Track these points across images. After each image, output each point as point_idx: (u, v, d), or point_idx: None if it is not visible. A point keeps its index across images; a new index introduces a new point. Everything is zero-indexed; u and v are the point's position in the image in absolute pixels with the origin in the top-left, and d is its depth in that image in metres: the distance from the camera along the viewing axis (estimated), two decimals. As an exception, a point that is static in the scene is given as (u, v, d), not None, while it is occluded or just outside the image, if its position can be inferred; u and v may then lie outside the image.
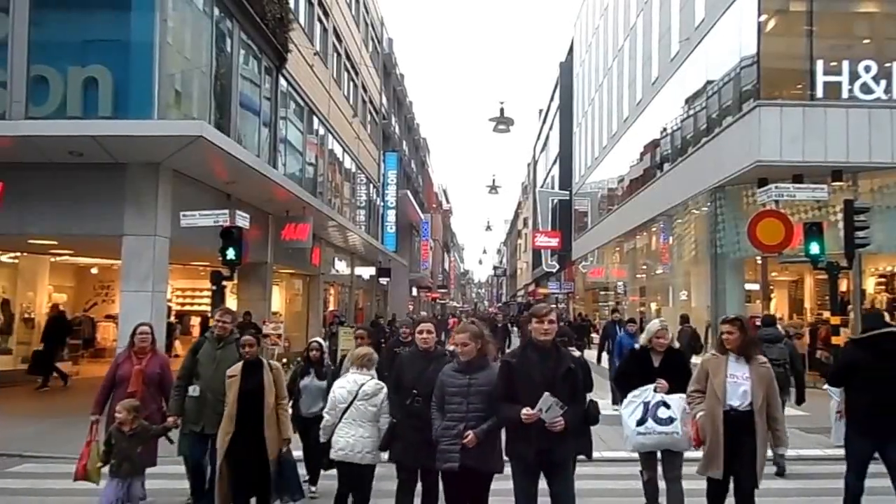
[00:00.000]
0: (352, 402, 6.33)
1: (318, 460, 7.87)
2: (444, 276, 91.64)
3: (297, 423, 8.06)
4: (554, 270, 53.06)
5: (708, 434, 6.08)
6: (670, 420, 6.65)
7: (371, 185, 38.30)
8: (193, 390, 7.25)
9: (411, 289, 57.87)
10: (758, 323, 11.07)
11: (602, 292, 40.33)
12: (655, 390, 6.77)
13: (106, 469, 6.74)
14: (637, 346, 7.66)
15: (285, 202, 18.61)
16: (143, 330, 7.87)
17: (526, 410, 5.21)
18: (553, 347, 5.52)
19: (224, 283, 12.75)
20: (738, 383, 6.04)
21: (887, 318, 8.78)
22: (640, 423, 6.73)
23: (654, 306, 28.33)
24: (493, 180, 47.23)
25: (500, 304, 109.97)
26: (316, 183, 25.78)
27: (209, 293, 13.33)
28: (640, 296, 31.10)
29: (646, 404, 6.77)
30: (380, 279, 37.58)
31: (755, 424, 5.93)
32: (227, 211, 12.87)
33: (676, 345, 7.17)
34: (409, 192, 47.64)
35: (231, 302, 20.62)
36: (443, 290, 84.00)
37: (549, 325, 5.47)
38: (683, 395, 6.60)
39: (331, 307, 29.37)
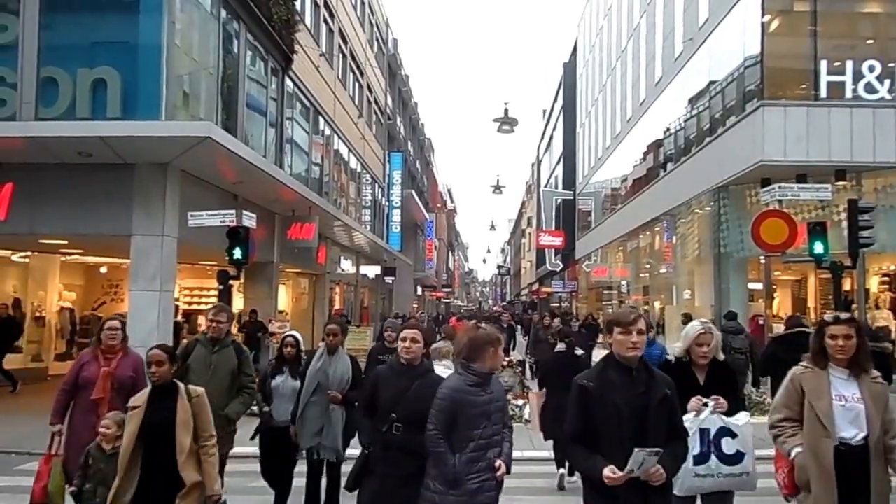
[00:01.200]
0: None
1: (287, 479, 7.02)
2: (449, 275, 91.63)
3: (266, 435, 7.03)
4: (558, 269, 52.94)
5: (813, 479, 4.38)
6: (739, 456, 5.01)
7: (376, 185, 38.31)
8: None
9: (416, 288, 57.90)
10: (760, 322, 11.21)
11: (605, 291, 40.25)
12: (712, 412, 5.01)
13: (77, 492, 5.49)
14: (670, 356, 5.89)
15: (291, 202, 18.60)
16: (111, 325, 6.51)
17: (610, 471, 3.82)
18: (643, 367, 4.09)
19: (231, 282, 12.76)
20: (850, 407, 4.44)
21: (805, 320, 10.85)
22: (700, 461, 4.95)
23: (657, 305, 28.27)
24: (498, 180, 47.46)
25: (504, 303, 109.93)
26: (322, 183, 25.78)
27: (216, 292, 13.33)
28: (643, 295, 31.01)
29: (703, 433, 4.99)
30: (385, 278, 37.57)
31: (871, 461, 4.38)
32: (233, 211, 12.87)
33: (721, 356, 5.40)
34: (413, 192, 47.64)
35: (238, 301, 20.65)
36: (447, 289, 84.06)
37: (639, 336, 4.02)
38: (746, 414, 5.21)
39: (336, 306, 29.37)
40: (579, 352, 9.60)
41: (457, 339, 5.42)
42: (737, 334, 12.28)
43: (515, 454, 10.31)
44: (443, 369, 6.25)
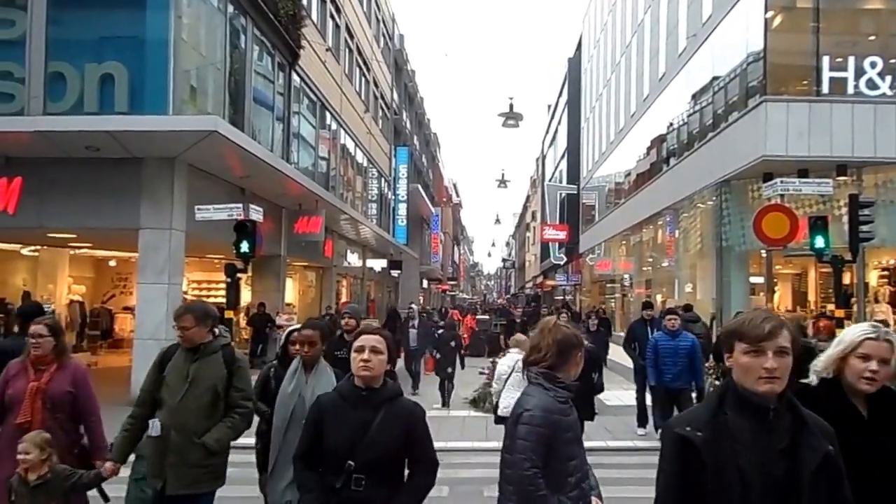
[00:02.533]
0: (510, 374, 7.96)
1: None
2: (454, 268, 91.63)
3: (261, 456, 5.27)
4: (561, 263, 52.87)
5: None
6: None
7: (382, 179, 38.26)
8: (153, 426, 4.76)
9: (422, 281, 57.90)
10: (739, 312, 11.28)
11: (609, 284, 40.15)
12: None
13: None
14: (812, 378, 3.27)
15: (298, 196, 18.59)
16: (35, 330, 4.96)
17: None
18: (787, 409, 2.51)
19: (238, 275, 12.73)
20: None
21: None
22: None
23: (659, 298, 28.18)
24: (503, 174, 47.19)
25: (508, 296, 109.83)
26: (328, 177, 25.76)
27: (224, 285, 13.33)
28: (645, 288, 30.91)
29: None
30: (391, 271, 37.56)
31: None
32: (241, 205, 12.85)
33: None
34: (419, 186, 47.57)
35: (246, 293, 20.67)
36: (452, 282, 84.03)
37: (779, 360, 2.46)
38: None
39: (343, 299, 29.37)
40: (589, 345, 9.51)
41: (531, 339, 3.86)
42: (696, 322, 13.69)
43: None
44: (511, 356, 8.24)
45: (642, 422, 11.57)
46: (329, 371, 4.91)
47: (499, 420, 8.23)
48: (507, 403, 7.72)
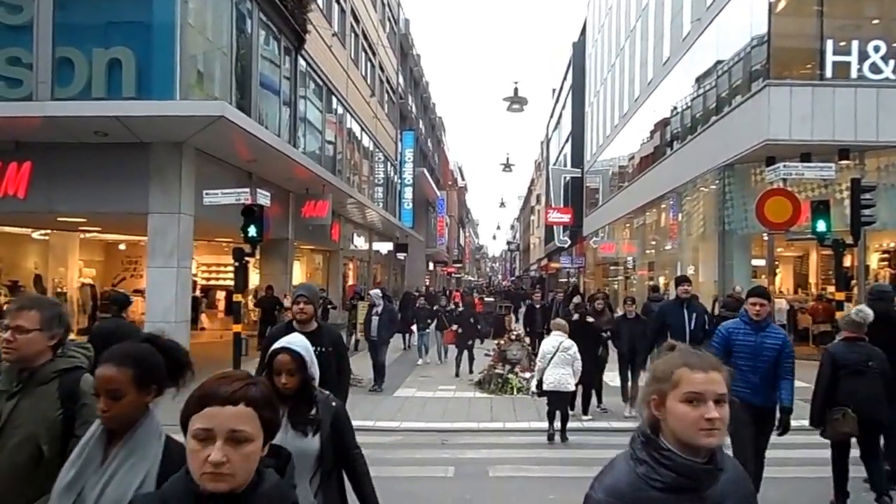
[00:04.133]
0: (555, 353, 9.64)
1: None
2: (460, 250, 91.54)
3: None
4: (566, 245, 52.75)
5: None
6: None
7: (388, 163, 38.18)
8: None
9: (428, 263, 57.87)
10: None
11: (612, 267, 40.13)
12: None
13: None
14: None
15: (305, 180, 18.55)
16: None
17: None
18: None
19: (246, 258, 12.72)
20: None
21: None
22: None
23: (662, 280, 28.13)
24: (507, 158, 47.21)
25: (513, 278, 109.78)
26: (335, 161, 25.70)
27: (233, 268, 13.33)
28: (648, 270, 30.88)
29: None
30: (397, 254, 37.57)
31: None
32: (248, 189, 12.83)
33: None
34: (425, 170, 47.47)
35: (254, 276, 20.69)
36: (458, 265, 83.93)
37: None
38: None
39: (350, 281, 29.39)
40: (590, 319, 11.71)
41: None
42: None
43: (521, 424, 10.41)
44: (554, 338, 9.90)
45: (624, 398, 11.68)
46: (154, 443, 2.48)
47: (542, 394, 9.89)
48: (553, 379, 9.61)
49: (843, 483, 6.61)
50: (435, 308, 19.54)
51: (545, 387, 9.65)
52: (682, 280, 10.02)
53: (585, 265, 48.11)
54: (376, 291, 15.59)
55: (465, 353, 16.37)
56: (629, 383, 11.50)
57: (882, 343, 6.63)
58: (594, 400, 11.59)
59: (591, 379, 11.10)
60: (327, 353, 5.14)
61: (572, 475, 7.97)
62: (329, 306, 19.81)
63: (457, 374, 15.83)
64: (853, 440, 6.58)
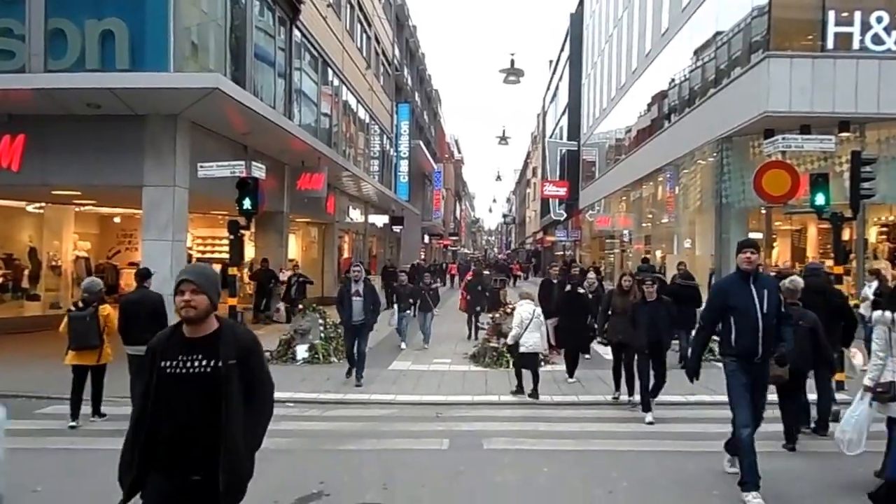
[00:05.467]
0: (532, 319, 10.57)
1: None
2: (456, 223, 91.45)
3: None
4: (562, 219, 52.78)
5: None
6: None
7: (384, 136, 38.02)
8: None
9: (423, 236, 57.87)
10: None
11: (608, 240, 40.23)
12: None
13: None
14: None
15: (301, 153, 18.47)
16: None
17: None
18: None
19: (241, 231, 12.70)
20: None
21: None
22: None
23: (658, 254, 28.19)
24: (504, 131, 46.81)
25: (509, 251, 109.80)
26: (331, 134, 25.57)
27: (228, 241, 13.30)
28: (644, 244, 30.93)
29: None
30: (393, 227, 37.53)
31: None
32: (243, 162, 12.76)
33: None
34: (421, 143, 47.32)
35: (249, 249, 20.67)
36: (454, 238, 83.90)
37: None
38: None
39: (345, 254, 29.37)
40: (581, 290, 12.59)
41: None
42: (688, 281, 14.17)
43: (517, 397, 10.44)
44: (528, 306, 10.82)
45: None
46: None
47: (525, 356, 10.67)
48: (531, 342, 10.60)
49: (791, 424, 8.05)
50: (420, 285, 17.30)
51: (524, 349, 10.64)
52: (745, 245, 6.79)
53: (581, 238, 48.23)
54: (357, 268, 12.34)
55: (474, 318, 17.66)
56: (648, 382, 9.39)
57: (814, 309, 8.07)
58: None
59: (581, 346, 12.26)
60: (225, 368, 3.49)
61: (567, 448, 8.05)
62: (304, 280, 19.61)
63: (469, 336, 17.28)
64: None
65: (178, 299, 3.53)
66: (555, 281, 15.07)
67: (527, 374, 10.71)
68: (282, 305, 19.11)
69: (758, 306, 6.44)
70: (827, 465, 7.30)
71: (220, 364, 3.48)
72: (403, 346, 15.80)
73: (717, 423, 9.13)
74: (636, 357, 9.56)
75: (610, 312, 10.40)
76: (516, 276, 49.10)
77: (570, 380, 11.75)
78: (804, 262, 20.80)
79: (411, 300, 16.45)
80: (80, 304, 8.94)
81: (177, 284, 3.56)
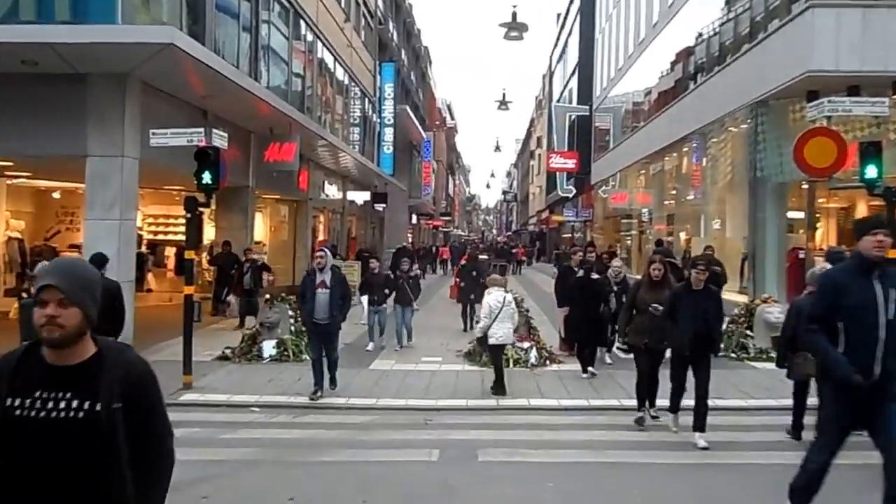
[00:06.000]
0: (502, 308, 11.07)
1: None
2: (448, 201, 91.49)
3: None
4: (570, 196, 52.84)
5: None
6: None
7: (366, 100, 37.90)
8: None
9: (411, 216, 57.87)
10: (801, 256, 11.05)
11: (624, 220, 40.20)
12: None
13: None
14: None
15: (269, 119, 18.39)
16: None
17: None
18: None
19: (200, 209, 12.61)
20: None
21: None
22: None
23: (682, 237, 28.23)
24: (504, 94, 46.83)
25: (509, 233, 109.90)
26: (304, 97, 25.46)
27: (185, 220, 13.24)
28: (666, 224, 30.95)
29: None
30: (375, 205, 37.45)
31: None
32: (202, 129, 12.65)
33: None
34: (408, 108, 47.15)
35: (209, 230, 20.60)
36: (446, 218, 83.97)
37: None
38: None
39: (321, 236, 29.32)
40: (595, 276, 13.05)
41: None
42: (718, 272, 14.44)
43: (519, 401, 10.46)
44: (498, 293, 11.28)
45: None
46: None
47: (492, 348, 11.28)
48: (501, 334, 11.10)
49: (801, 416, 8.68)
50: (397, 273, 16.86)
51: (493, 341, 11.16)
52: (874, 225, 5.73)
53: (593, 218, 48.20)
54: (321, 253, 11.41)
55: (468, 308, 17.92)
56: (682, 389, 8.91)
57: None
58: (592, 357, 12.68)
59: (593, 337, 12.76)
60: (106, 413, 2.73)
61: (575, 460, 8.04)
62: (260, 266, 19.11)
63: (465, 329, 17.59)
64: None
65: (39, 313, 2.72)
66: (577, 270, 14.01)
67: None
68: (232, 297, 18.65)
69: (881, 309, 5.39)
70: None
71: (98, 407, 2.71)
72: (370, 347, 15.04)
73: (752, 432, 9.17)
74: (673, 360, 8.86)
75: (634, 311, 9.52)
76: (520, 261, 49.19)
77: (584, 375, 12.25)
78: (852, 246, 20.86)
79: (386, 291, 15.72)
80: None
81: (36, 292, 2.78)
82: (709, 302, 8.62)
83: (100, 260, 9.37)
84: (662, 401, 9.20)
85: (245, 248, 18.69)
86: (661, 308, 8.90)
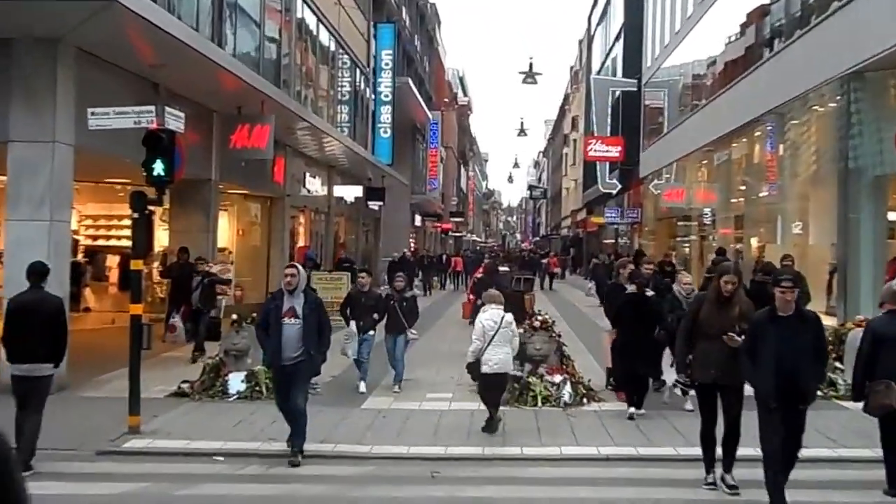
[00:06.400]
0: (498, 330, 11.35)
1: None
2: (461, 198, 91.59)
3: None
4: (613, 192, 52.82)
5: None
6: None
7: (357, 71, 37.96)
8: None
9: (413, 217, 57.85)
10: None
11: (680, 223, 40.11)
12: None
13: None
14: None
15: (236, 95, 18.47)
16: None
17: None
18: None
19: (150, 208, 12.66)
20: None
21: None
22: None
23: (754, 242, 28.16)
24: (530, 64, 46.69)
25: (536, 239, 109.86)
26: (279, 67, 25.55)
27: (131, 222, 13.26)
28: (734, 228, 30.89)
29: None
30: (369, 203, 37.54)
31: None
32: (152, 108, 12.69)
33: None
34: (410, 81, 47.25)
35: (162, 234, 20.65)
36: (458, 219, 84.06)
37: None
38: None
39: (301, 242, 29.38)
40: (649, 293, 13.12)
41: None
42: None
43: (549, 450, 10.45)
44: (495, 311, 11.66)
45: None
46: None
47: (485, 378, 11.50)
48: (496, 360, 11.35)
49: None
50: (386, 294, 16.05)
51: (487, 369, 11.40)
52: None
53: (642, 220, 48.12)
54: (291, 271, 10.58)
55: None
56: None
57: None
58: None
59: (648, 367, 12.78)
60: None
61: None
62: (213, 281, 18.77)
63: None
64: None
65: None
66: (629, 287, 13.54)
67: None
68: (178, 320, 17.89)
69: None
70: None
71: None
72: (362, 387, 14.46)
73: (842, 490, 9.10)
74: (760, 415, 8.16)
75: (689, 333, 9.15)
76: (552, 273, 49.06)
77: (632, 411, 12.28)
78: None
79: (375, 316, 14.87)
80: None
81: None
82: (803, 333, 8.09)
83: (40, 271, 9.64)
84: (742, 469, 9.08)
85: (197, 257, 18.36)
86: (738, 338, 8.45)
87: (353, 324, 14.44)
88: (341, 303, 15.70)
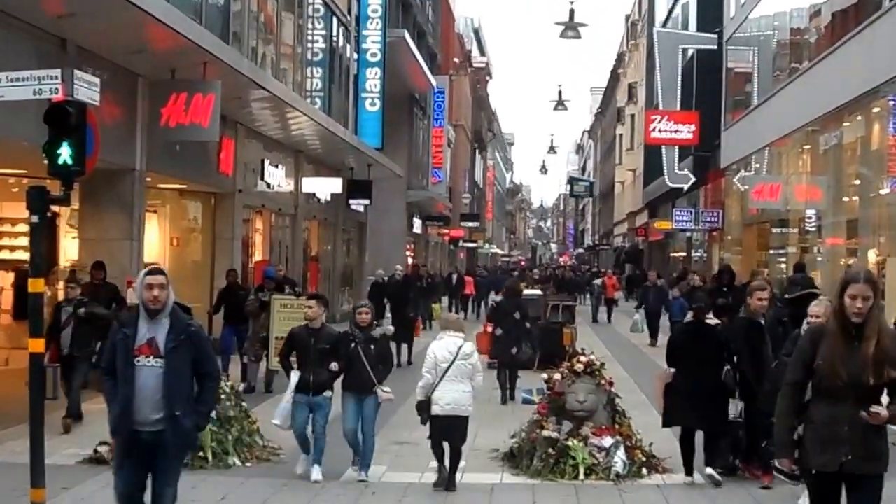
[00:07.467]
0: (453, 362, 11.94)
1: None
2: (476, 196, 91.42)
3: None
4: (685, 186, 52.80)
5: None
6: None
7: (335, 21, 38.02)
8: None
9: (411, 220, 57.67)
10: None
11: (775, 230, 40.06)
12: None
13: None
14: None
15: (169, 53, 18.58)
16: None
17: None
18: None
19: (54, 208, 12.80)
20: None
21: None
22: None
23: (871, 256, 28.17)
24: (571, 11, 46.57)
25: (579, 251, 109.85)
26: (228, 15, 25.64)
27: (28, 227, 13.41)
28: (845, 237, 30.90)
29: None
30: (351, 201, 37.61)
31: None
32: (58, 72, 12.86)
33: None
34: (407, 35, 47.25)
35: (70, 244, 20.76)
36: (472, 223, 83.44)
37: None
38: None
39: (258, 255, 29.45)
40: (712, 321, 13.37)
41: None
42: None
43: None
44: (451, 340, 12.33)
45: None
46: None
47: (435, 421, 12.24)
48: (449, 399, 12.02)
49: None
50: (350, 331, 13.78)
51: (437, 410, 12.10)
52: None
53: (724, 226, 48.04)
54: (159, 279, 8.42)
55: (508, 371, 19.11)
56: None
57: None
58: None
59: (715, 423, 12.64)
60: None
61: None
62: (92, 315, 18.18)
63: (504, 401, 19.00)
64: None
65: None
66: (711, 322, 13.43)
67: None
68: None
69: None
70: None
71: None
72: (316, 474, 12.96)
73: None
74: None
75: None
76: (611, 300, 48.78)
77: (709, 471, 12.43)
78: None
79: (334, 366, 13.11)
80: None
81: None
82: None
83: None
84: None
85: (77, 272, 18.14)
86: (884, 409, 6.90)
87: (294, 376, 13.16)
88: (281, 347, 14.70)
